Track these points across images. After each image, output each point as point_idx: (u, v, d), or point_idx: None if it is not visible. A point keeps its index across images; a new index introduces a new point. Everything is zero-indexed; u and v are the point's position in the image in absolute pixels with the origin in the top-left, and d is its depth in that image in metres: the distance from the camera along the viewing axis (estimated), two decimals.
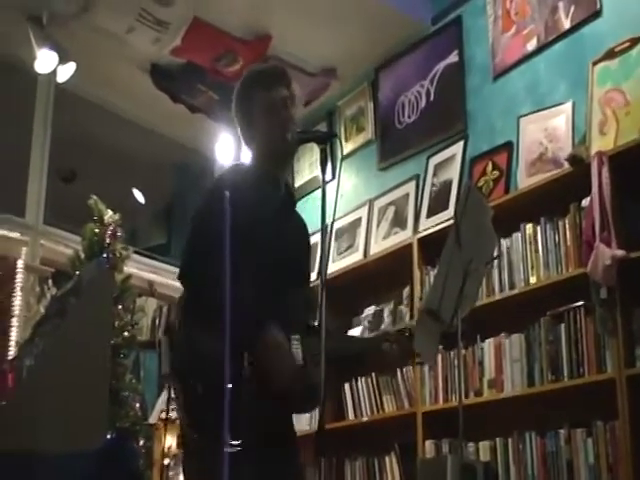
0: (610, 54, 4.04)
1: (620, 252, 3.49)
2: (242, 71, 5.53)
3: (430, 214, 4.86)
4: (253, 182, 2.61)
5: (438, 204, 4.84)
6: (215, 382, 1.96)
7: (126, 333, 4.91)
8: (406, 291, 4.78)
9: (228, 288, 2.00)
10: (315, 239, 5.51)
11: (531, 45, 4.58)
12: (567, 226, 3.90)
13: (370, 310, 5.00)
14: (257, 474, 2.34)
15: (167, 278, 5.70)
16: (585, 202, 3.79)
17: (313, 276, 5.32)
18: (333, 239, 5.55)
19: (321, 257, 2.38)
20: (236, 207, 2.08)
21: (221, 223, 2.25)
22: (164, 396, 4.85)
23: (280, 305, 2.50)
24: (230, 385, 2.07)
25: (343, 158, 5.76)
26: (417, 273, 4.58)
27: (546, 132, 4.30)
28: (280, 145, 2.70)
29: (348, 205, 5.66)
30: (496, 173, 4.55)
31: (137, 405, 4.84)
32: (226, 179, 2.61)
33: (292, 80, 2.83)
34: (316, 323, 2.49)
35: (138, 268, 5.85)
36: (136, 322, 5.14)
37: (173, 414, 4.39)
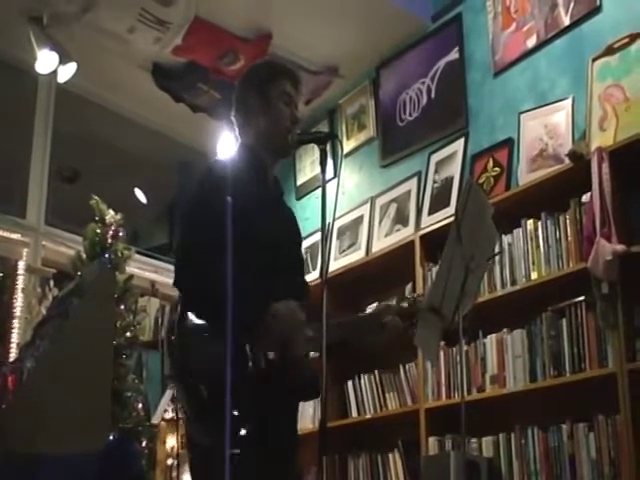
0: (610, 50, 4.06)
1: (621, 247, 3.51)
2: (244, 70, 5.52)
3: (432, 211, 4.87)
4: (244, 174, 2.60)
5: (440, 201, 4.85)
6: (219, 382, 1.96)
7: (128, 333, 4.91)
8: (408, 288, 4.79)
9: (228, 282, 2.01)
10: (316, 238, 5.57)
11: (531, 42, 4.59)
12: (568, 222, 3.92)
13: (372, 308, 5.00)
14: (261, 475, 2.36)
15: (169, 278, 5.64)
16: (585, 198, 3.80)
17: (315, 274, 5.39)
18: (335, 237, 5.56)
19: (322, 256, 2.38)
20: (229, 200, 2.09)
21: (215, 217, 2.26)
22: (167, 396, 4.86)
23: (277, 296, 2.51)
24: (234, 384, 2.08)
25: (345, 156, 5.78)
26: (419, 270, 4.59)
27: (546, 128, 4.32)
28: (279, 142, 2.71)
29: (350, 203, 5.68)
30: (497, 169, 4.56)
31: (140, 406, 4.85)
32: (217, 171, 2.58)
33: (301, 85, 2.83)
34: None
35: (140, 268, 5.86)
36: (138, 322, 5.14)
37: (176, 414, 4.41)
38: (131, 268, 5.36)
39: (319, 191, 5.84)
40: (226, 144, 6.01)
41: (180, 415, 4.62)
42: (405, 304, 2.83)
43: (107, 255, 4.98)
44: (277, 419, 2.43)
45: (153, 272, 6.02)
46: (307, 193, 6.12)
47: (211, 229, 2.24)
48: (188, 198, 2.59)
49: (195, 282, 2.45)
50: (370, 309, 2.86)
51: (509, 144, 4.56)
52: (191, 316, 2.47)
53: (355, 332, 2.78)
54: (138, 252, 5.82)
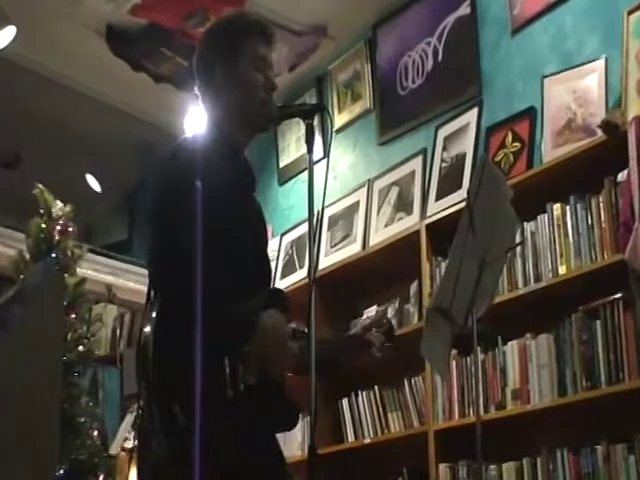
0: None
1: None
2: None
3: (440, 196, 4.87)
4: (216, 158, 2.58)
5: (449, 183, 4.85)
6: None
7: (81, 347, 4.92)
8: (413, 287, 4.80)
9: (202, 287, 2.02)
10: (303, 230, 5.57)
11: None
12: (601, 205, 3.92)
13: (371, 311, 5.02)
14: None
15: (129, 280, 5.71)
16: (622, 176, 3.80)
17: (302, 273, 5.40)
18: (326, 228, 5.56)
19: (310, 251, 2.38)
20: (204, 188, 2.10)
21: (191, 209, 2.25)
22: (128, 421, 4.87)
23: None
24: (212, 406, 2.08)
25: (336, 132, 5.79)
26: (426, 266, 4.59)
27: (575, 95, 4.32)
28: (253, 116, 2.70)
29: (343, 187, 5.68)
30: (517, 145, 4.57)
31: (95, 433, 4.86)
32: (188, 155, 2.56)
33: (275, 41, 2.82)
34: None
35: (94, 269, 5.87)
36: (93, 334, 5.15)
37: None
38: (83, 270, 5.37)
39: (306, 174, 5.84)
40: (195, 120, 6.01)
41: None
42: (369, 319, 2.97)
43: (54, 255, 4.97)
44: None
45: (109, 274, 6.02)
46: (291, 177, 6.11)
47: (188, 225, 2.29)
48: (155, 189, 2.60)
49: (179, 284, 2.46)
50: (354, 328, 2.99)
51: (531, 114, 4.56)
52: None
53: (340, 352, 2.90)
54: (91, 251, 5.82)
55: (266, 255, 2.75)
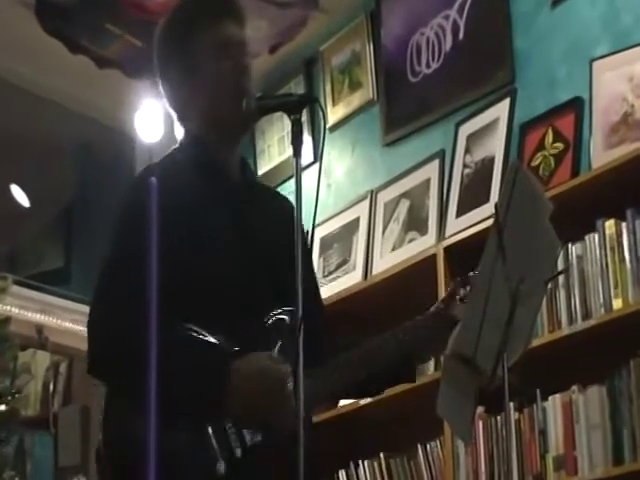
0: None
1: None
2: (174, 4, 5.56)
3: (462, 211, 4.89)
4: (183, 175, 2.65)
5: (473, 195, 4.87)
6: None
7: (3, 406, 4.91)
8: None
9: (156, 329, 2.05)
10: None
11: None
12: None
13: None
14: None
15: (65, 320, 5.70)
16: None
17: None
18: (317, 252, 5.57)
19: (297, 280, 2.40)
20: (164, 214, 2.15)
21: (144, 242, 2.30)
22: None
23: (243, 337, 2.57)
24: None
25: (330, 129, 5.81)
26: None
27: (632, 83, 4.35)
28: (229, 118, 2.74)
29: (340, 200, 5.71)
30: (559, 146, 4.59)
31: None
32: (149, 174, 2.65)
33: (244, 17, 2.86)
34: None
35: (21, 306, 5.86)
36: (19, 389, 5.14)
37: None
38: (7, 306, 5.36)
39: (292, 183, 5.87)
40: (148, 115, 6.03)
41: None
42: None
43: None
44: None
45: (40, 312, 6.02)
46: (274, 187, 6.13)
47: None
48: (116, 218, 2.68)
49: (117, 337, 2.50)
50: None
51: (576, 107, 4.59)
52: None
53: (417, 344, 2.97)
54: (17, 282, 5.82)
55: (273, 270, 2.72)
